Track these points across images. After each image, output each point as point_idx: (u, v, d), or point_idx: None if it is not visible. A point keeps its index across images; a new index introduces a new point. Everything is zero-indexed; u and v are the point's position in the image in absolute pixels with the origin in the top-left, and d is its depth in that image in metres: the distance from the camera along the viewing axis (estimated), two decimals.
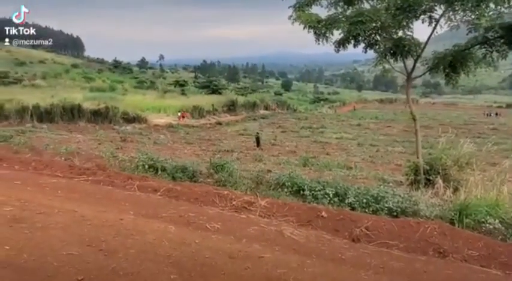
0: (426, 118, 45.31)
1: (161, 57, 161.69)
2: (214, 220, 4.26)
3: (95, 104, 32.11)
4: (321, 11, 8.79)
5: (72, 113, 29.63)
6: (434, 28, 8.03)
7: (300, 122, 42.43)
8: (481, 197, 5.46)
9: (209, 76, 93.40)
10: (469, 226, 4.62)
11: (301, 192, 5.88)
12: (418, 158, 8.35)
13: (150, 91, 57.88)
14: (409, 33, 8.41)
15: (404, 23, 8.19)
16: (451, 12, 7.42)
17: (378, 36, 8.65)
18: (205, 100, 46.44)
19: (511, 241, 4.25)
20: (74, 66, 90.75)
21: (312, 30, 8.57)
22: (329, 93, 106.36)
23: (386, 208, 5.06)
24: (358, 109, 68.71)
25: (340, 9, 8.59)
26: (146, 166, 7.00)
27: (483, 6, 7.03)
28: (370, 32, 8.38)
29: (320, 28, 8.41)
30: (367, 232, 4.10)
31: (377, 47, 8.80)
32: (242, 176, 7.05)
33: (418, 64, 8.77)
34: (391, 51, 8.54)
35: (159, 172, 6.89)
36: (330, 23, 8.35)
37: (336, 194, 5.59)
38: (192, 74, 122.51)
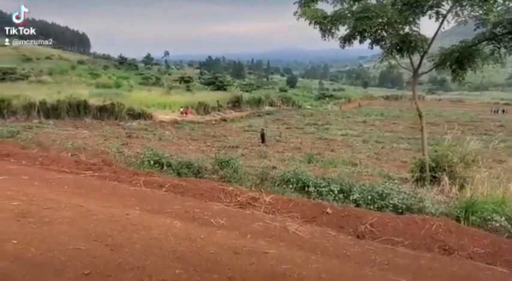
0: (432, 115, 45.05)
1: (166, 53, 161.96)
2: (219, 216, 4.28)
3: (101, 101, 32.36)
4: (326, 7, 8.76)
5: (78, 109, 29.88)
6: (441, 24, 7.95)
7: (305, 119, 42.35)
8: (487, 195, 5.42)
9: (214, 72, 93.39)
10: (475, 224, 4.59)
11: (306, 188, 5.87)
12: (424, 155, 8.31)
13: (155, 87, 58.04)
14: (415, 29, 8.34)
15: (411, 19, 8.12)
16: (458, 8, 7.36)
17: (384, 32, 8.59)
18: (211, 96, 46.47)
19: None
20: (80, 62, 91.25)
21: (317, 26, 8.54)
22: (334, 90, 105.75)
23: (391, 205, 5.03)
24: (363, 106, 68.42)
25: (346, 5, 8.54)
26: (152, 162, 7.03)
27: (491, 1, 6.96)
28: (376, 27, 8.33)
29: (326, 24, 8.38)
30: (372, 229, 4.09)
31: (383, 43, 8.75)
32: (247, 172, 7.05)
33: (424, 60, 8.70)
34: (398, 47, 8.48)
35: (165, 168, 6.92)
36: (336, 19, 8.31)
37: (341, 191, 5.58)
38: (197, 71, 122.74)
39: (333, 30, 8.49)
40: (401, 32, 8.46)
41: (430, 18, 7.91)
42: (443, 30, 8.27)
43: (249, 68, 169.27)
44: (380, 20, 8.06)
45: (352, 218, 4.33)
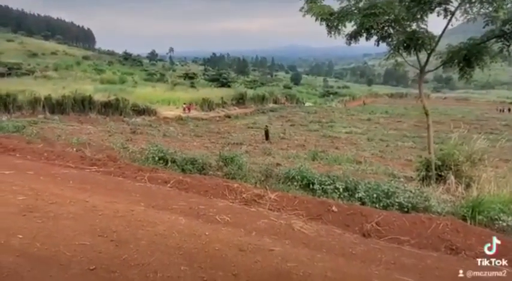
0: (437, 113, 44.73)
1: (171, 49, 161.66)
2: (224, 213, 4.27)
3: (106, 96, 32.50)
4: (333, 3, 8.67)
5: (83, 105, 29.98)
6: (450, 21, 7.85)
7: (309, 116, 42.22)
8: (494, 194, 5.37)
9: (218, 69, 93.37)
10: (482, 223, 4.54)
11: (311, 186, 5.83)
12: (430, 153, 8.23)
13: (159, 84, 58.24)
14: (423, 26, 8.24)
15: (419, 16, 8.02)
16: (467, 5, 7.26)
17: (391, 29, 8.51)
18: (215, 93, 46.54)
19: None
20: (85, 58, 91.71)
21: (324, 23, 8.46)
22: (339, 87, 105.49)
23: (397, 203, 4.99)
24: (368, 104, 68.16)
25: (352, 1, 8.44)
26: (156, 158, 7.02)
27: None
28: (383, 24, 8.26)
29: (332, 20, 8.30)
30: (377, 227, 4.06)
31: (390, 40, 8.67)
32: (251, 169, 7.03)
33: (431, 58, 8.60)
34: (405, 45, 8.39)
35: (169, 164, 6.91)
36: (343, 16, 8.23)
37: (346, 189, 5.54)
38: (202, 67, 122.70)
39: (339, 27, 8.41)
40: (408, 29, 8.36)
41: (438, 15, 7.81)
42: (450, 27, 8.18)
43: (253, 65, 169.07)
44: (387, 17, 7.96)
45: (357, 217, 4.30)
